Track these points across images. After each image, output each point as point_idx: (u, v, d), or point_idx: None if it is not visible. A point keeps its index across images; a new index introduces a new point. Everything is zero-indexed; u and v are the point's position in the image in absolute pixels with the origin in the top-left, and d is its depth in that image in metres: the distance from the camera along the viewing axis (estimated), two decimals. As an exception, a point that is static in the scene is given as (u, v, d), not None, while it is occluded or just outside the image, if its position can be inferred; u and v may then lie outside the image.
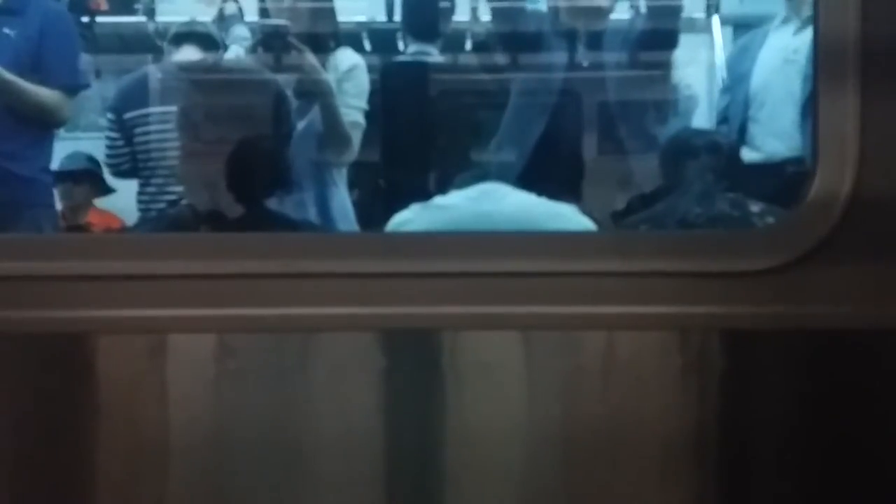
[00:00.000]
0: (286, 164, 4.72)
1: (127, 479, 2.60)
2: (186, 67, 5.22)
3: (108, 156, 5.41)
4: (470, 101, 4.96)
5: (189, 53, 5.29)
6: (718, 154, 4.27)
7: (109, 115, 5.34)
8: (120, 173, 5.47)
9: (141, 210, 5.14)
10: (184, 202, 4.77)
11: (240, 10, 5.61)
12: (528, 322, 2.59)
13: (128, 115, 5.19)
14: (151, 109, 5.15)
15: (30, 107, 4.47)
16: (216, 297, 2.58)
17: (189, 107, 4.93)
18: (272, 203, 4.36)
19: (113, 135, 5.30)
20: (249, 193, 4.21)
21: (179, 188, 4.96)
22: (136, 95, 5.20)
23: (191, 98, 4.98)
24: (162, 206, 5.03)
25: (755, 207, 3.91)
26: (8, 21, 4.53)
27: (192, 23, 5.48)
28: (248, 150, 4.43)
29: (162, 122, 5.11)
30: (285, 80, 4.86)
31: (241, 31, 5.45)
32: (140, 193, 5.19)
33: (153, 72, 5.33)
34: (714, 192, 4.04)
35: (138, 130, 5.17)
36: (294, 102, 4.88)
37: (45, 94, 4.51)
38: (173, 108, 5.06)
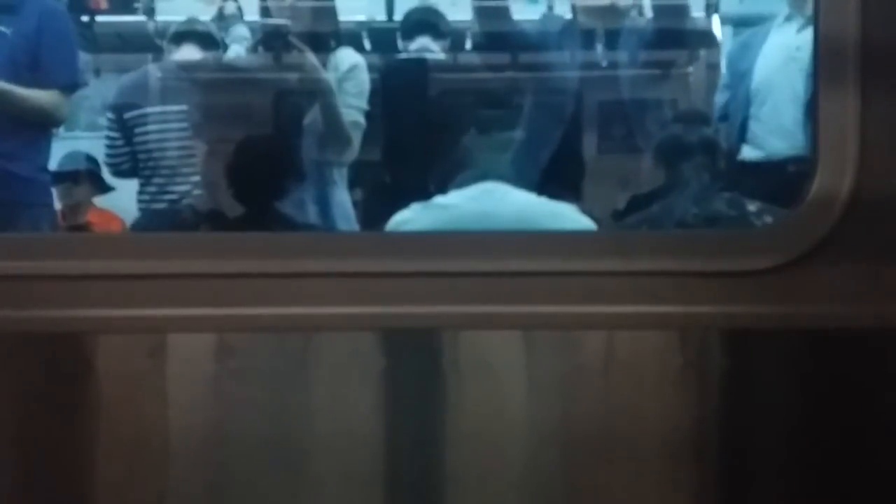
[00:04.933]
0: (287, 164, 4.71)
1: (127, 479, 2.60)
2: (186, 66, 5.22)
3: (108, 155, 5.41)
4: (471, 99, 4.95)
5: (189, 52, 5.29)
6: (713, 152, 4.26)
7: (109, 115, 5.34)
8: (120, 173, 5.47)
9: (141, 209, 5.14)
10: (185, 202, 4.77)
11: (239, 9, 5.62)
12: (528, 322, 2.58)
13: (128, 115, 5.19)
14: (151, 109, 5.15)
15: (28, 112, 4.45)
16: (216, 297, 2.58)
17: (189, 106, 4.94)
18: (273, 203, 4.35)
19: (113, 134, 5.30)
20: (250, 193, 4.20)
21: (180, 187, 4.96)
22: (136, 95, 5.20)
23: (190, 98, 4.98)
24: (162, 205, 5.03)
25: (752, 206, 3.91)
26: (5, 19, 4.51)
27: (192, 22, 5.48)
28: (250, 150, 4.42)
29: (162, 121, 5.11)
30: (285, 79, 4.86)
31: (241, 31, 5.46)
32: (140, 193, 5.19)
33: (153, 71, 5.33)
34: (710, 192, 4.04)
35: (138, 130, 5.16)
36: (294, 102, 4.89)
37: (43, 96, 4.47)
38: (173, 108, 5.06)
